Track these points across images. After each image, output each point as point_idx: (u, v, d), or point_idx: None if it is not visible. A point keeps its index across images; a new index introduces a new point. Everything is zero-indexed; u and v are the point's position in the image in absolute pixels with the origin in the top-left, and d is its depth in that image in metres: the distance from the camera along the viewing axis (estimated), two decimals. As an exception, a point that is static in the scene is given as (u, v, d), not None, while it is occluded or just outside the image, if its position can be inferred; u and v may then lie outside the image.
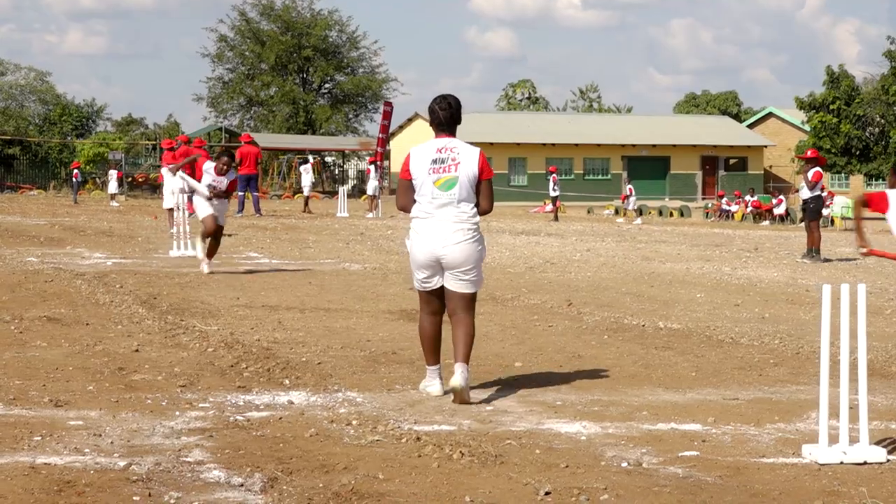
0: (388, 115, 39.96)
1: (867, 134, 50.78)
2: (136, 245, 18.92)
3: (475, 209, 6.76)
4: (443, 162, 6.71)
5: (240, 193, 29.13)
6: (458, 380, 6.56)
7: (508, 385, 7.23)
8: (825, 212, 31.65)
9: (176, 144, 25.29)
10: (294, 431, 5.85)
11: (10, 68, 71.14)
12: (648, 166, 64.83)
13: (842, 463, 5.37)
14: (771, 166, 67.64)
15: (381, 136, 40.09)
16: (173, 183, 23.42)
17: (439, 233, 6.69)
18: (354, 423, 6.03)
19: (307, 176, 36.79)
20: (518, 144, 62.45)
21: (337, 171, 69.67)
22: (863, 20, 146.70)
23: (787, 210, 42.23)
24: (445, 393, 6.77)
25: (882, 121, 50.07)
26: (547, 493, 4.80)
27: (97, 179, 56.42)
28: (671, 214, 45.35)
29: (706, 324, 10.38)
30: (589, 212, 48.01)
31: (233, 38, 72.29)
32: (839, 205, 38.24)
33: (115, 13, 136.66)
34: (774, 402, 6.84)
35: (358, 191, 58.33)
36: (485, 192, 6.81)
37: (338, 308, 10.99)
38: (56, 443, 5.50)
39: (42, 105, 71.39)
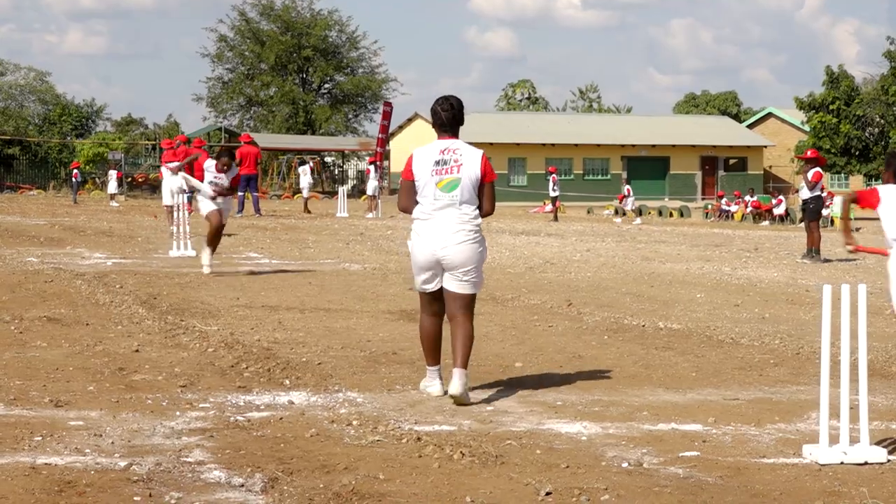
0: (387, 116, 40.00)
1: (867, 134, 50.76)
2: (136, 245, 18.93)
3: (477, 211, 6.75)
4: (445, 163, 6.71)
5: (240, 194, 29.13)
6: (456, 387, 6.55)
7: (509, 385, 7.23)
8: (825, 212, 31.65)
9: (175, 144, 25.34)
10: (294, 432, 5.85)
11: (9, 68, 71.22)
12: (648, 166, 64.83)
13: (842, 463, 5.37)
14: (770, 166, 67.65)
15: (380, 136, 40.12)
16: (172, 181, 23.47)
17: (440, 234, 6.69)
18: (355, 423, 6.03)
19: (305, 177, 36.93)
20: (518, 144, 62.44)
21: (336, 172, 69.68)
22: (862, 20, 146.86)
23: (786, 210, 42.22)
24: (445, 393, 6.77)
25: (882, 121, 50.04)
26: (548, 494, 4.80)
27: (97, 179, 56.43)
28: (671, 215, 45.34)
29: (706, 324, 10.38)
30: (588, 212, 48.00)
31: (232, 38, 72.30)
32: (839, 205, 38.23)
33: (115, 13, 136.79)
34: (775, 403, 6.85)
35: (357, 191, 58.32)
36: (487, 195, 6.80)
37: (338, 308, 10.99)
38: (57, 443, 5.50)
39: (42, 105, 71.40)
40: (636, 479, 5.09)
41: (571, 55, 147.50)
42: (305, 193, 36.73)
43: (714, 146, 65.81)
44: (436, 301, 6.85)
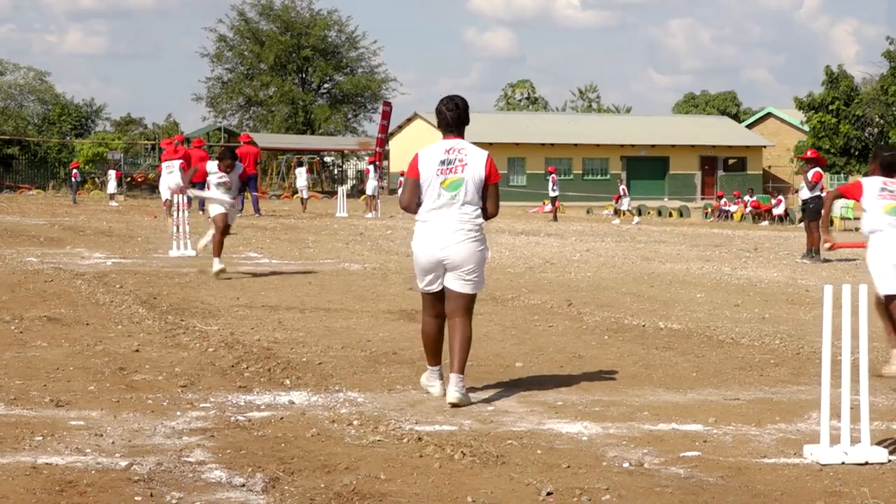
0: (387, 116, 40.03)
1: (866, 134, 50.82)
2: (136, 245, 18.92)
3: (479, 211, 6.73)
4: (450, 163, 6.70)
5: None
6: (453, 395, 6.55)
7: (509, 385, 7.23)
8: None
9: (175, 143, 25.39)
10: (295, 431, 5.85)
11: (9, 68, 71.25)
12: (647, 166, 64.83)
13: (843, 463, 5.37)
14: (770, 166, 67.64)
15: (380, 136, 40.16)
16: (170, 179, 23.48)
17: (441, 234, 6.68)
18: (356, 423, 6.03)
19: (301, 178, 37.07)
20: (517, 144, 62.43)
21: (336, 172, 69.68)
22: (861, 20, 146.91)
23: (786, 210, 42.23)
24: (445, 395, 6.77)
25: (881, 121, 50.10)
26: (549, 494, 4.80)
27: (96, 179, 56.39)
28: (670, 215, 45.35)
29: (706, 324, 10.38)
30: (588, 212, 48.01)
31: (232, 38, 72.36)
32: (839, 205, 38.22)
33: (115, 13, 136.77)
34: (775, 403, 6.85)
35: (357, 191, 58.33)
36: (491, 196, 6.78)
37: (338, 308, 10.98)
38: (57, 443, 5.50)
39: (41, 105, 71.44)
40: (637, 479, 5.09)
41: (571, 55, 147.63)
42: (304, 194, 36.83)
43: (713, 146, 65.81)
44: (438, 302, 6.84)
